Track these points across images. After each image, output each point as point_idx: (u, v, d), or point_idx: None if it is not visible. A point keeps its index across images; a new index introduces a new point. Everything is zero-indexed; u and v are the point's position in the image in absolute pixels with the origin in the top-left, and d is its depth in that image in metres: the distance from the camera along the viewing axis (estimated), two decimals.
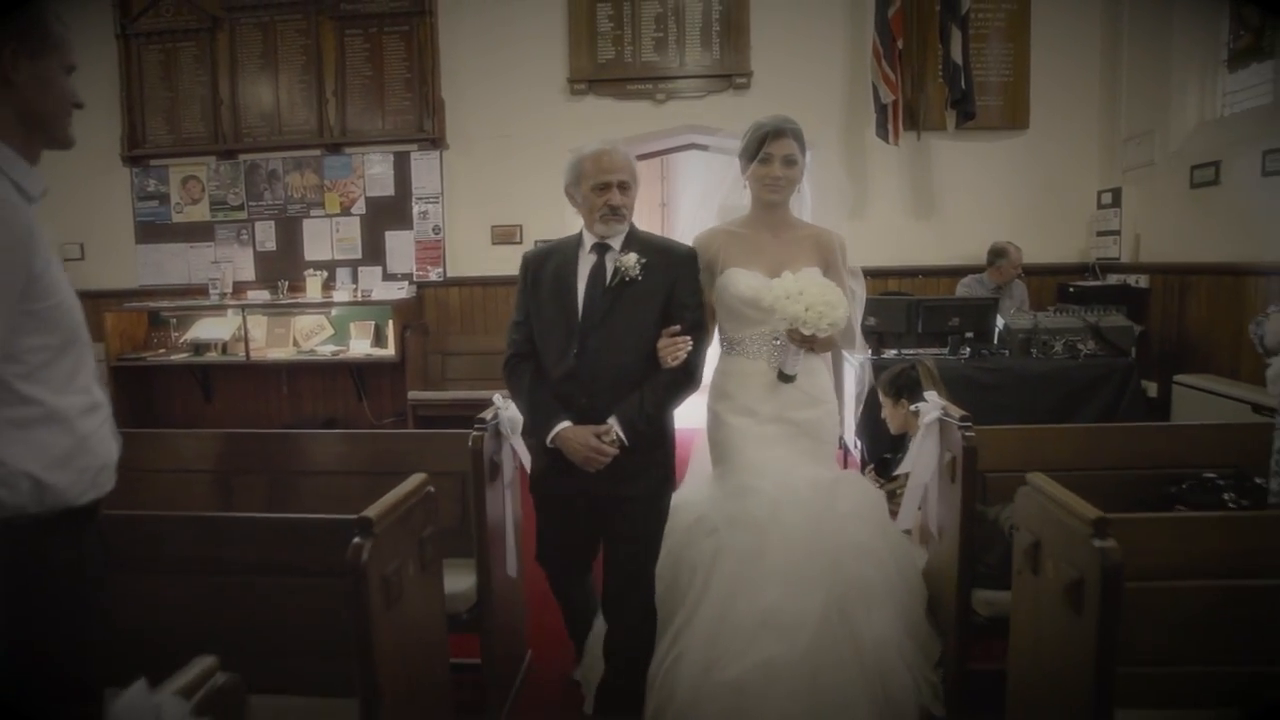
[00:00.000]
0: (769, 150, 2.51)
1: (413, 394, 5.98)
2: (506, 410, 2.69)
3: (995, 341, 4.74)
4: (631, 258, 2.40)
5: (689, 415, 2.71)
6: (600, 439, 2.36)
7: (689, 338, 2.40)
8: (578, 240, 2.51)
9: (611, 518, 2.47)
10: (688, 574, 2.48)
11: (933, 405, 2.60)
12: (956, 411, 2.49)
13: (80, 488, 1.40)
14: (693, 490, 2.71)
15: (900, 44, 5.76)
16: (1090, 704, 1.62)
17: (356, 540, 1.68)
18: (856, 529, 2.45)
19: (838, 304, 2.36)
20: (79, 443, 1.39)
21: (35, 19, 1.39)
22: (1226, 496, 2.51)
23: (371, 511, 1.73)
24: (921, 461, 2.65)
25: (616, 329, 2.40)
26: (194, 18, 6.43)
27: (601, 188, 2.40)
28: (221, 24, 6.43)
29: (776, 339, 2.52)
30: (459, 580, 2.53)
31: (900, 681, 2.35)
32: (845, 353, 3.02)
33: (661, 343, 2.40)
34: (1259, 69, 4.68)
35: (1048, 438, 2.75)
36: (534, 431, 2.47)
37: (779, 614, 2.28)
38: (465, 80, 6.26)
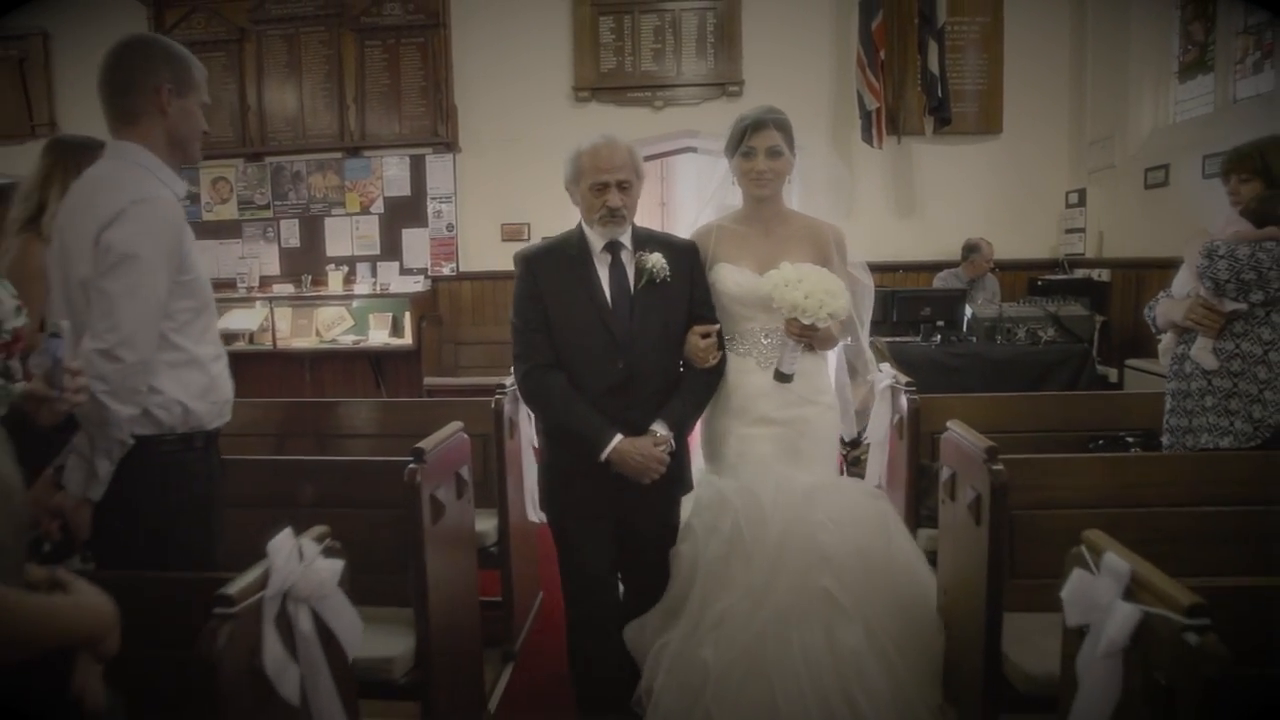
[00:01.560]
0: (751, 144, 2.42)
1: (428, 379, 6.43)
2: None
3: (964, 329, 5.19)
4: (657, 257, 2.30)
5: None
6: (657, 448, 2.27)
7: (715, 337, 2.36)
8: (580, 237, 2.36)
9: (632, 515, 2.38)
10: (683, 570, 2.41)
11: (885, 375, 3.04)
12: (904, 378, 2.93)
13: (211, 415, 1.86)
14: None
15: (883, 54, 6.20)
16: (985, 596, 2.07)
17: (411, 465, 2.13)
18: (829, 539, 2.29)
19: (838, 293, 2.29)
20: (211, 381, 1.85)
21: (185, 66, 1.84)
22: (1133, 451, 2.96)
23: (424, 444, 2.19)
24: (878, 423, 3.09)
25: (653, 334, 2.31)
26: (223, 29, 6.87)
27: (599, 188, 2.26)
28: (249, 35, 6.86)
29: (766, 337, 2.44)
30: (484, 523, 2.98)
31: (878, 699, 2.20)
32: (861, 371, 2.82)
33: (701, 344, 2.32)
34: (1203, 80, 5.14)
35: (990, 404, 3.18)
36: (582, 446, 2.28)
37: (724, 622, 2.25)
38: (477, 88, 6.71)
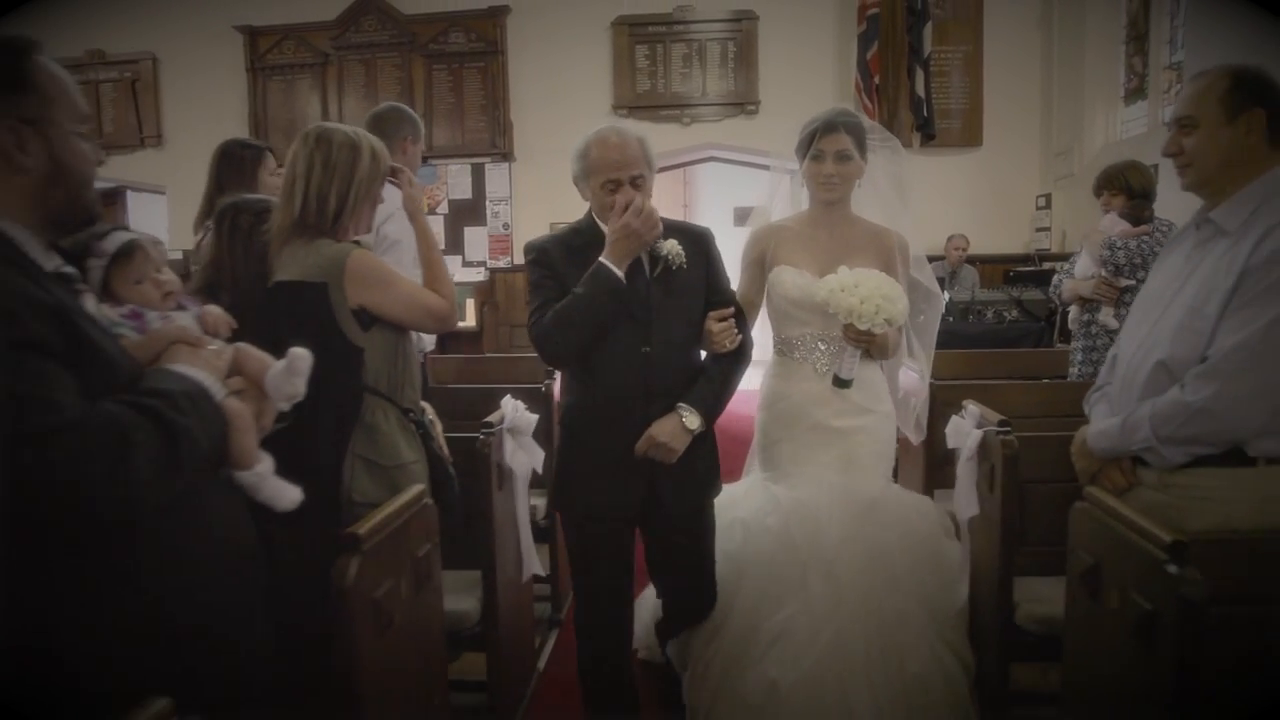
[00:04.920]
0: (820, 147, 2.40)
1: (489, 355, 7.52)
2: None
3: (941, 310, 6.24)
4: (673, 244, 2.14)
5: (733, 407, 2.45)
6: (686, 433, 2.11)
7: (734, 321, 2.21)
8: (591, 226, 2.17)
9: (667, 534, 2.26)
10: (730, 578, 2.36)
11: None
12: None
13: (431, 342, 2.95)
14: (736, 488, 2.56)
15: (877, 79, 7.25)
16: (923, 474, 3.14)
17: (548, 382, 3.22)
18: (897, 560, 2.29)
19: (896, 298, 2.26)
20: None
21: (418, 126, 2.94)
22: None
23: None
24: None
25: (671, 323, 2.15)
26: (310, 54, 7.99)
27: (613, 186, 2.09)
28: (331, 60, 7.97)
29: (823, 342, 2.42)
30: None
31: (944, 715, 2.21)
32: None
33: (716, 327, 2.17)
34: (1142, 105, 6.20)
35: (959, 359, 4.22)
36: (595, 281, 2.05)
37: (789, 635, 2.20)
38: (530, 106, 7.81)
